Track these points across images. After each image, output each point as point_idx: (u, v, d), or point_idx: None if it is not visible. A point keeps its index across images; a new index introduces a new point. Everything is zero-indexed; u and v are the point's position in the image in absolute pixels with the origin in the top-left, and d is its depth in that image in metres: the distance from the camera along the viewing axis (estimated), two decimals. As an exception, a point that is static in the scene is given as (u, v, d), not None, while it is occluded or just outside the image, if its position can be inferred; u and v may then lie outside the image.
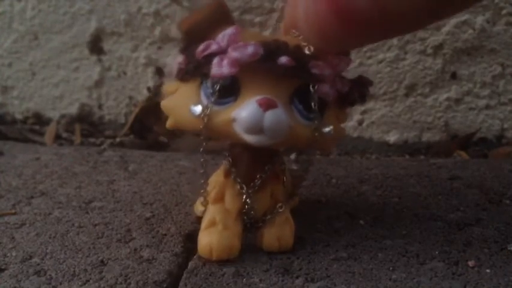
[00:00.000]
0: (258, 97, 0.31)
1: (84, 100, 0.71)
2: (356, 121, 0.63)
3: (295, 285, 0.32)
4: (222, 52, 0.31)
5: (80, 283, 0.32)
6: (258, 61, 0.31)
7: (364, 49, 0.61)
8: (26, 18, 0.70)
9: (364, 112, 0.63)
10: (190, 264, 0.34)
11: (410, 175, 0.50)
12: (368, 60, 0.61)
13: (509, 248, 0.35)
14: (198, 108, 0.32)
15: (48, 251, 0.36)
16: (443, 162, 0.55)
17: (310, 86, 0.32)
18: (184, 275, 0.33)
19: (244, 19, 0.62)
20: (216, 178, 0.37)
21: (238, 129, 0.31)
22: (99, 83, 0.70)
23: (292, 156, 0.59)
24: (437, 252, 0.35)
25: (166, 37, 0.65)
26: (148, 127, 0.67)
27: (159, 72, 0.67)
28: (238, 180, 0.35)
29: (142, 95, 0.68)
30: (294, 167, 0.54)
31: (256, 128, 0.31)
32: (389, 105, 0.62)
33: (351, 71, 0.35)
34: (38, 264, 0.34)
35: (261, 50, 0.31)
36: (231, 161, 0.35)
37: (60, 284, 0.32)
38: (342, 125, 0.36)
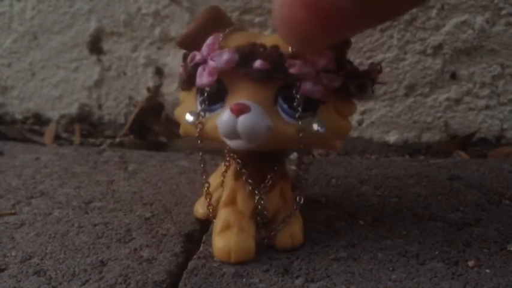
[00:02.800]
0: (232, 103, 0.31)
1: (84, 100, 0.71)
2: (356, 121, 0.63)
3: (295, 285, 0.32)
4: (204, 62, 0.33)
5: (79, 283, 0.32)
6: (236, 67, 0.31)
7: (364, 49, 0.61)
8: (25, 18, 0.70)
9: (364, 112, 0.63)
10: (190, 264, 0.34)
11: (410, 175, 0.50)
12: (368, 60, 0.61)
13: (509, 248, 0.35)
14: (191, 117, 0.33)
15: (48, 251, 0.36)
16: (443, 162, 0.55)
17: (293, 87, 0.31)
18: (184, 275, 0.33)
19: (244, 19, 0.62)
20: (217, 179, 0.37)
21: (222, 136, 0.32)
22: (98, 83, 0.70)
23: (292, 155, 0.59)
24: (437, 252, 0.35)
25: (166, 37, 0.66)
26: (148, 127, 0.67)
27: (159, 72, 0.67)
28: (250, 181, 0.35)
29: (142, 95, 0.68)
30: (293, 167, 0.54)
31: (231, 133, 0.31)
32: (389, 105, 0.62)
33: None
34: (38, 264, 0.34)
35: (235, 56, 0.31)
36: (240, 163, 0.35)
37: (60, 284, 0.32)
38: (349, 119, 0.35)
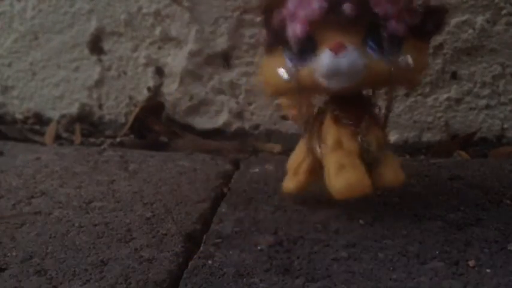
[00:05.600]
0: (331, 42, 0.34)
1: (84, 100, 0.71)
2: (356, 121, 0.63)
3: (295, 285, 0.32)
4: (292, 15, 0.35)
5: (80, 283, 0.32)
6: (325, 14, 0.34)
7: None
8: (26, 18, 0.70)
9: (364, 112, 0.63)
10: (191, 264, 0.34)
11: (410, 175, 0.50)
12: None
13: (509, 248, 0.35)
14: (285, 72, 0.36)
15: (48, 250, 0.36)
16: (444, 162, 0.55)
17: (379, 25, 0.34)
18: (185, 275, 0.33)
19: (244, 19, 0.62)
20: (300, 155, 0.41)
21: (320, 77, 0.34)
22: (99, 83, 0.69)
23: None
24: (437, 252, 0.35)
25: (167, 37, 0.65)
26: (148, 127, 0.67)
27: (159, 72, 0.67)
28: (350, 123, 0.37)
29: (142, 94, 0.68)
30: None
31: (333, 71, 0.34)
32: (389, 105, 0.62)
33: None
34: (39, 264, 0.34)
35: (324, 3, 0.34)
36: (337, 110, 0.38)
37: (61, 283, 0.32)
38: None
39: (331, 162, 0.37)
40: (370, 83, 0.36)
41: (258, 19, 0.61)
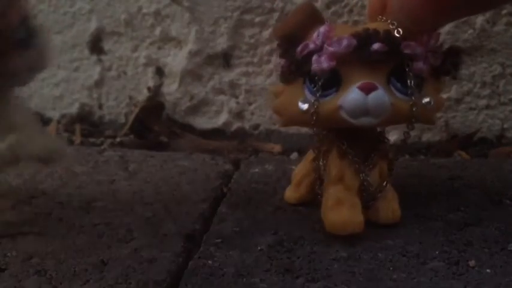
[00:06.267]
0: (359, 83, 0.34)
1: (84, 100, 0.71)
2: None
3: (295, 285, 0.32)
4: (319, 49, 0.35)
5: (80, 283, 0.32)
6: (353, 51, 0.34)
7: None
8: (26, 18, 0.70)
9: (364, 112, 0.63)
10: (191, 264, 0.34)
11: (410, 175, 0.50)
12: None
13: (509, 248, 0.35)
14: (305, 105, 0.35)
15: (48, 250, 0.36)
16: (444, 162, 0.55)
17: (406, 66, 0.34)
18: (185, 275, 0.33)
19: (244, 19, 0.62)
20: (305, 167, 0.41)
21: (345, 115, 0.34)
22: (99, 83, 0.69)
23: (293, 155, 0.59)
24: (437, 252, 0.35)
25: (167, 37, 0.65)
26: (148, 127, 0.67)
27: (159, 72, 0.67)
28: (356, 159, 0.37)
29: (142, 95, 0.68)
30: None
31: (361, 111, 0.34)
32: (389, 105, 0.62)
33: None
34: (39, 264, 0.34)
35: (354, 41, 0.34)
36: (345, 144, 0.37)
37: (61, 283, 0.32)
38: (441, 95, 0.39)
39: (330, 194, 0.37)
40: (392, 121, 0.37)
41: (258, 19, 0.62)
